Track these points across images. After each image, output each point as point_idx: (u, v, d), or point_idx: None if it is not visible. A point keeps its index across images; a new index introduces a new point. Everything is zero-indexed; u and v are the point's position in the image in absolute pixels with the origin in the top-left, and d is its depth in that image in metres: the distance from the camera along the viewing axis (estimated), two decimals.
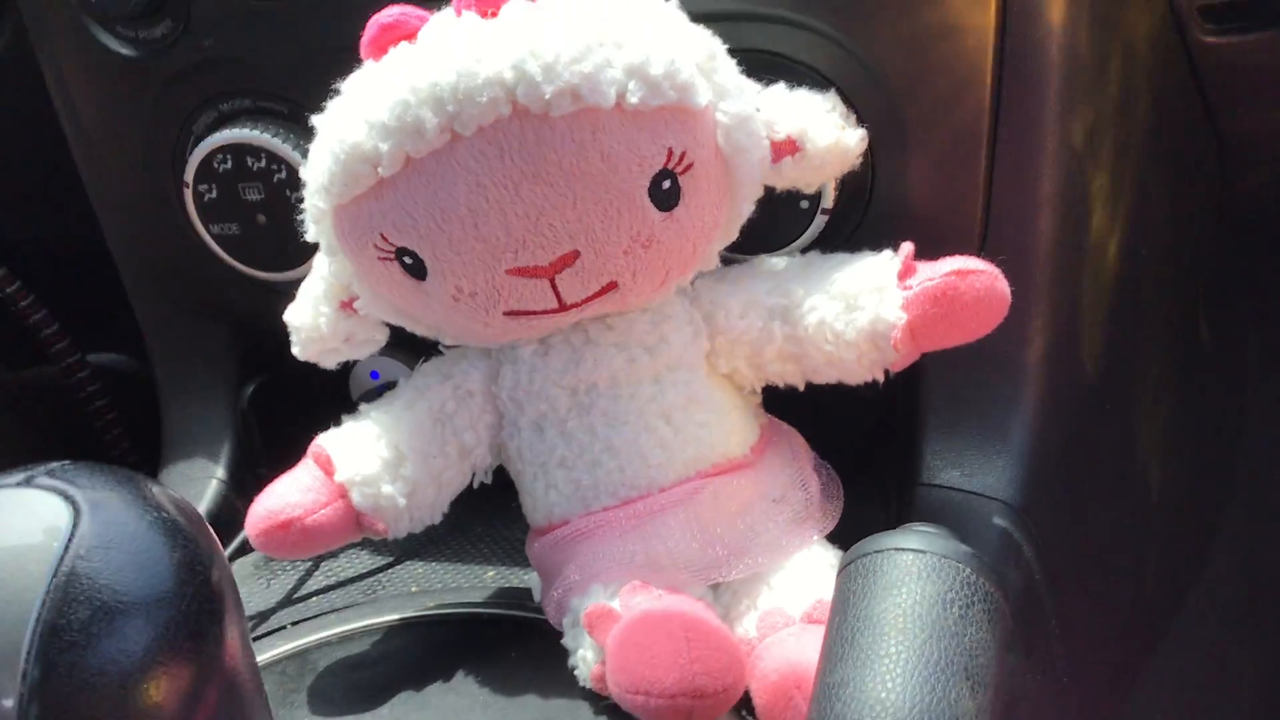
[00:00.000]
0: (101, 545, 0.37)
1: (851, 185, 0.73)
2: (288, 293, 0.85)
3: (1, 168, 1.05)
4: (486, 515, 0.87)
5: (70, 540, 0.37)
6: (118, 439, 1.13)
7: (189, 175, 0.82)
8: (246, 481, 0.94)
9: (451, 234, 0.62)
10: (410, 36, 0.62)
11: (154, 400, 1.09)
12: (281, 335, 0.92)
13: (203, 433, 0.94)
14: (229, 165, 0.81)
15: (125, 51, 0.81)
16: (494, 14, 0.61)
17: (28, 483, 0.39)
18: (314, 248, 0.82)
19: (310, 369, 0.87)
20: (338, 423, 0.92)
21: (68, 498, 0.38)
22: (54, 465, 0.41)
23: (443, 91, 0.59)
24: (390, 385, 0.96)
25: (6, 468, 0.43)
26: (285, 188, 0.80)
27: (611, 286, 0.65)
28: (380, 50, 0.62)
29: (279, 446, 0.97)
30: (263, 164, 0.80)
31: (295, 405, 0.98)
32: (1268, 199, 1.11)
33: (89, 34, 0.81)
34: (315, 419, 0.97)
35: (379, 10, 0.72)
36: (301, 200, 0.81)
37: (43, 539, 0.37)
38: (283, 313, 0.84)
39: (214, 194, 0.82)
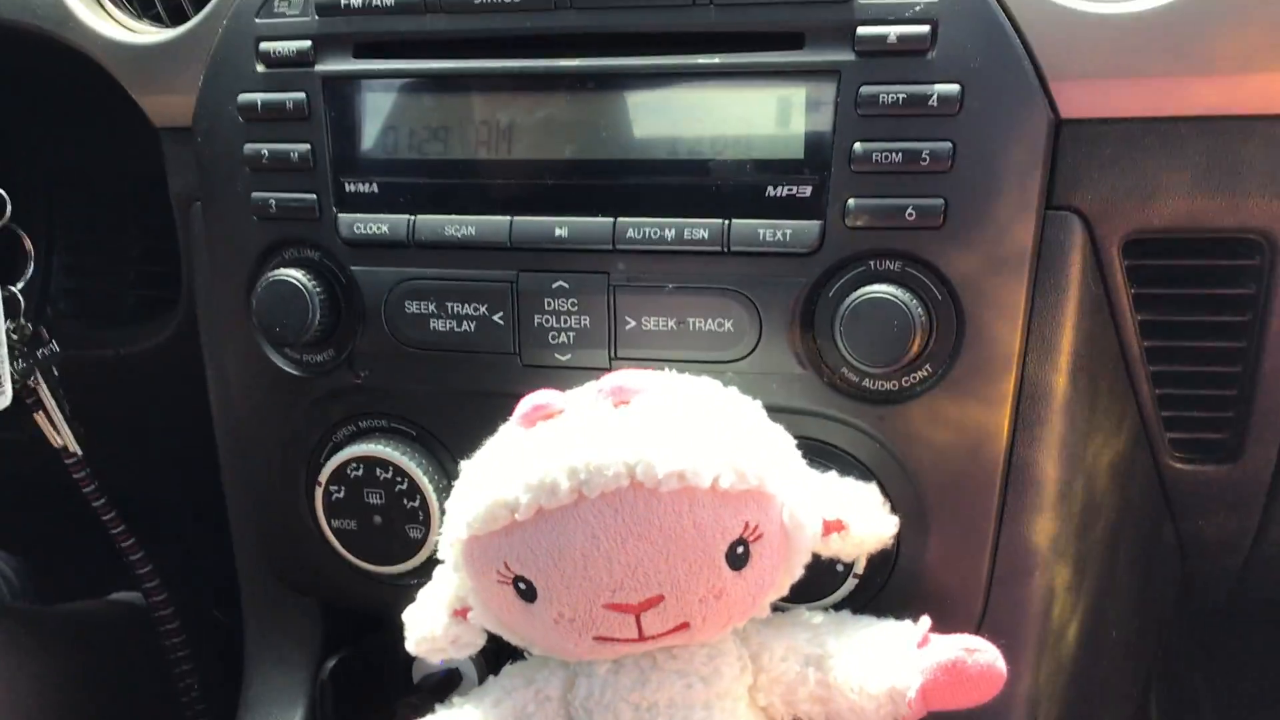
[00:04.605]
0: None
1: (879, 557, 0.88)
2: (384, 583, 0.99)
3: (132, 435, 1.20)
4: None
5: None
6: (188, 674, 1.23)
7: (323, 476, 0.97)
8: None
9: (565, 571, 0.76)
10: (555, 415, 0.78)
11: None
12: (365, 616, 1.06)
13: (282, 697, 1.06)
14: (359, 472, 0.96)
15: (290, 370, 0.97)
16: (625, 403, 0.78)
17: None
18: (415, 549, 0.97)
19: (385, 648, 1.00)
20: (401, 698, 1.04)
21: None
22: None
23: (578, 463, 0.74)
24: (452, 671, 1.09)
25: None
26: (404, 497, 0.95)
27: (684, 626, 0.79)
28: (530, 422, 0.79)
29: (346, 715, 1.09)
30: (389, 475, 0.95)
31: (363, 678, 1.10)
32: (1222, 587, 1.26)
33: (259, 351, 0.98)
34: (381, 691, 1.10)
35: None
36: (414, 508, 0.96)
37: None
38: (374, 599, 0.98)
39: (341, 494, 0.97)
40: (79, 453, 1.13)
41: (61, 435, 1.13)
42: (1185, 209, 0.83)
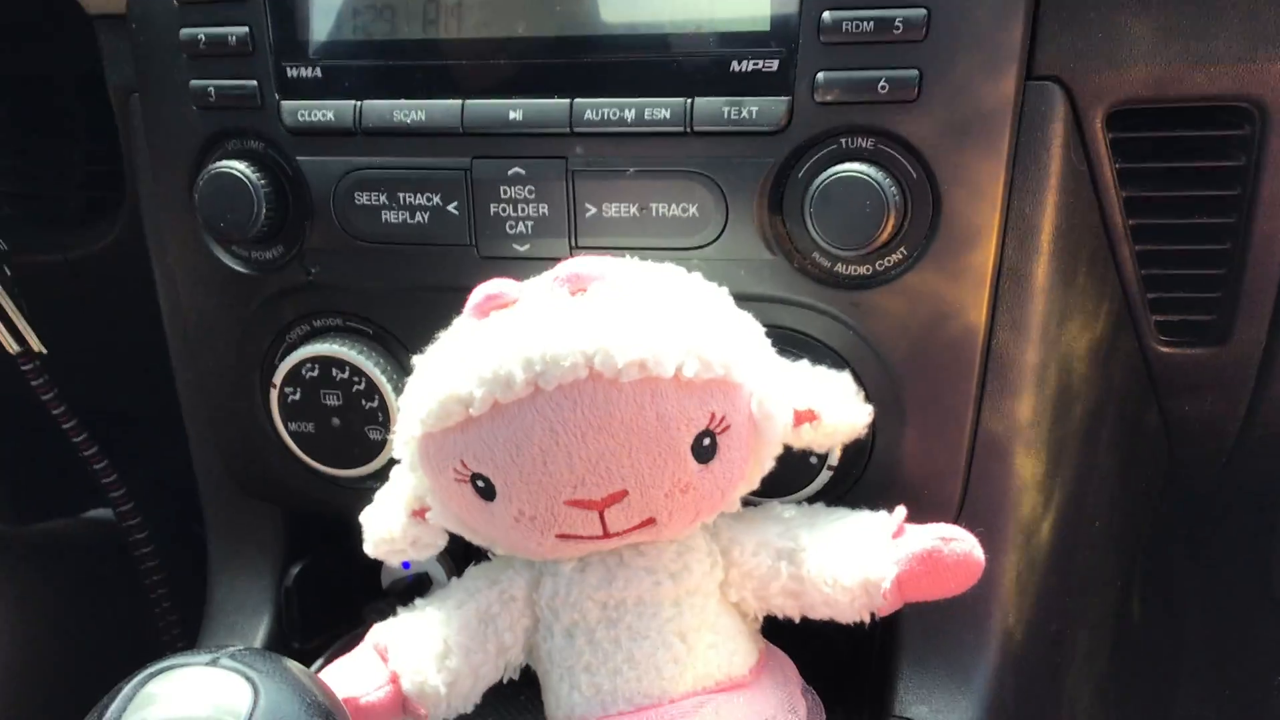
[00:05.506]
0: None
1: (854, 448, 0.85)
2: (346, 487, 0.96)
3: (91, 344, 1.16)
4: (498, 706, 0.95)
5: (251, 716, 0.47)
6: (160, 588, 1.21)
7: (278, 378, 0.93)
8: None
9: (523, 467, 0.73)
10: (509, 305, 0.75)
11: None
12: (330, 523, 1.03)
13: (246, 605, 1.03)
14: (315, 373, 0.92)
15: (238, 268, 0.93)
16: (583, 290, 0.74)
17: (214, 663, 0.49)
18: (375, 451, 0.94)
19: (349, 554, 0.97)
20: (369, 604, 1.02)
21: (249, 679, 0.48)
22: (232, 649, 0.51)
23: (533, 354, 0.71)
24: (422, 576, 1.06)
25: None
26: (361, 397, 0.92)
27: (650, 522, 0.77)
28: (483, 313, 0.75)
29: (313, 622, 1.07)
30: (345, 375, 0.92)
31: (330, 585, 1.08)
32: (1210, 473, 1.24)
33: (206, 249, 0.94)
34: (348, 598, 1.07)
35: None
36: (373, 409, 0.93)
37: (229, 713, 0.47)
38: (337, 504, 0.95)
39: (297, 396, 0.93)
40: (43, 351, 1.09)
41: (25, 335, 1.08)
42: (1173, 78, 0.79)
